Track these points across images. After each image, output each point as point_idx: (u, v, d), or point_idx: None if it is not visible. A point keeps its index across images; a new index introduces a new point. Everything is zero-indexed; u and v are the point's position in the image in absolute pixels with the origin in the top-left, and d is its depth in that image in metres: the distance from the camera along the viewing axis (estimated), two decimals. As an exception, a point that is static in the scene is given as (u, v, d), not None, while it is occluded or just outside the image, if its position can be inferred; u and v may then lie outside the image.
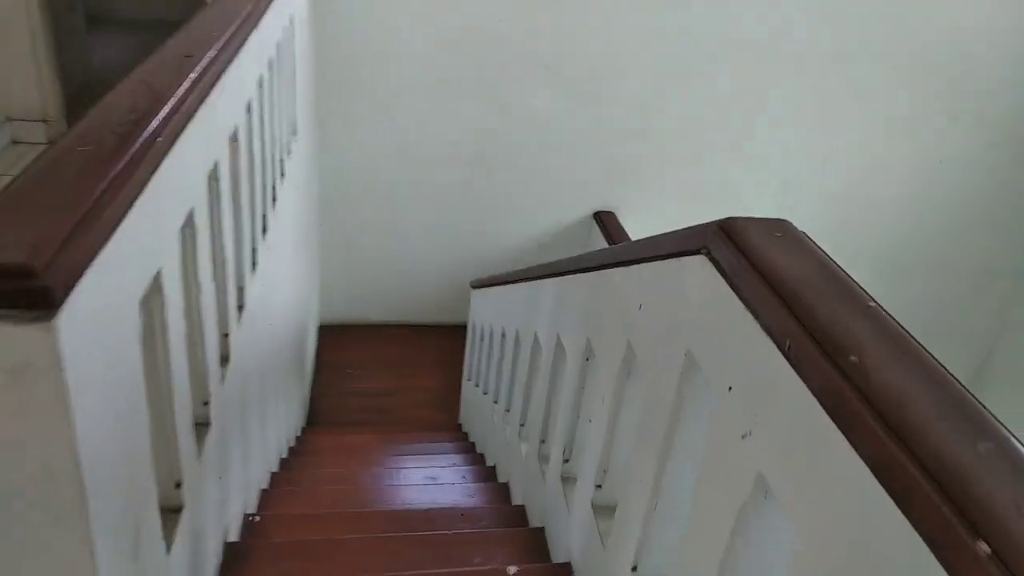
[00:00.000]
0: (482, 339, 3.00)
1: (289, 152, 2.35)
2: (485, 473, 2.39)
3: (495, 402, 2.68)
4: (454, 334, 3.97)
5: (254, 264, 1.68)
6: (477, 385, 2.98)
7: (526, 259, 3.93)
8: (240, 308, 1.52)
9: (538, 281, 2.11)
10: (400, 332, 3.97)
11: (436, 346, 3.91)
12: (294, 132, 2.49)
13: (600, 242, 3.81)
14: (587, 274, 1.59)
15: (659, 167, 3.83)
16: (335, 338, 3.86)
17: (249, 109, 1.53)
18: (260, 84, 1.69)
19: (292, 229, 2.49)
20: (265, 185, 1.85)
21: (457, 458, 2.70)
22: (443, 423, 3.38)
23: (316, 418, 3.33)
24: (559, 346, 1.78)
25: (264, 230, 1.83)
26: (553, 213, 3.87)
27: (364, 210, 3.68)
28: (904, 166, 3.98)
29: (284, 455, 2.56)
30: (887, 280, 4.11)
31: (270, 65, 1.85)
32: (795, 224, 0.92)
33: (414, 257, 3.86)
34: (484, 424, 2.76)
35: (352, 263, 3.82)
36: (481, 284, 2.90)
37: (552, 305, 1.95)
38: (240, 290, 1.53)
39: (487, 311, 2.87)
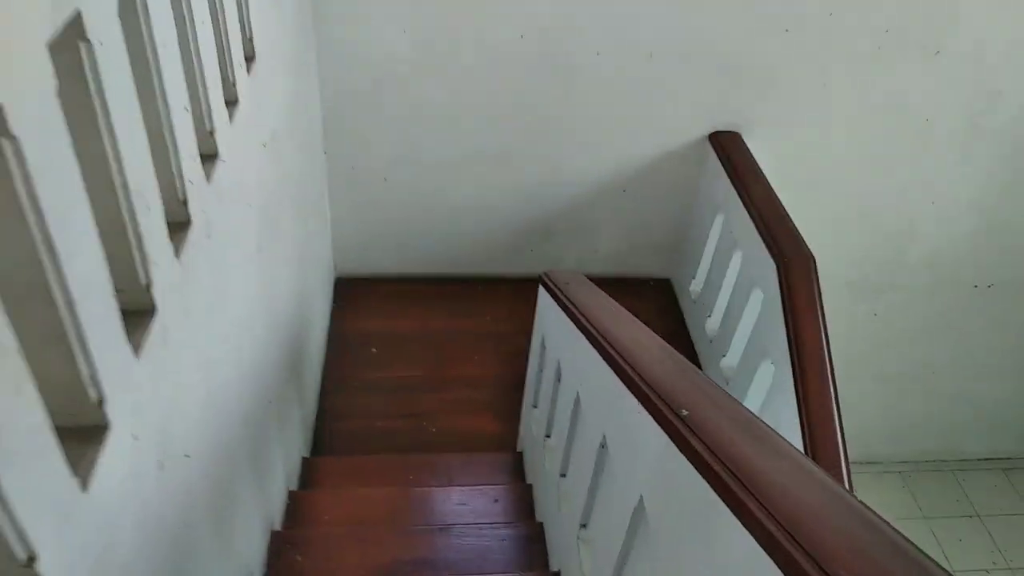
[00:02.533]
0: (544, 370, 2.06)
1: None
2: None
3: (562, 475, 1.76)
4: (511, 291, 3.01)
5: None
6: (548, 436, 2.03)
7: (604, 202, 2.88)
8: None
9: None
10: (438, 289, 3.03)
11: (487, 308, 2.97)
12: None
13: (716, 178, 2.70)
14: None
15: (803, 74, 2.64)
16: (351, 299, 2.95)
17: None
18: None
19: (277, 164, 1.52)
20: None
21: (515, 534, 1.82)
22: (498, 439, 2.49)
23: (326, 427, 2.48)
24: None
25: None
26: (647, 136, 2.76)
27: (386, 130, 2.65)
28: None
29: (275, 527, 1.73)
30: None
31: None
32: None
33: (454, 192, 2.84)
34: (548, 496, 1.86)
35: (371, 201, 2.84)
36: (555, 285, 1.90)
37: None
38: None
39: (557, 334, 1.89)
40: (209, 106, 1.26)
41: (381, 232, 2.93)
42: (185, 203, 1.13)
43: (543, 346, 2.10)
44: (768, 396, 2.27)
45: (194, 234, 1.14)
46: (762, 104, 2.71)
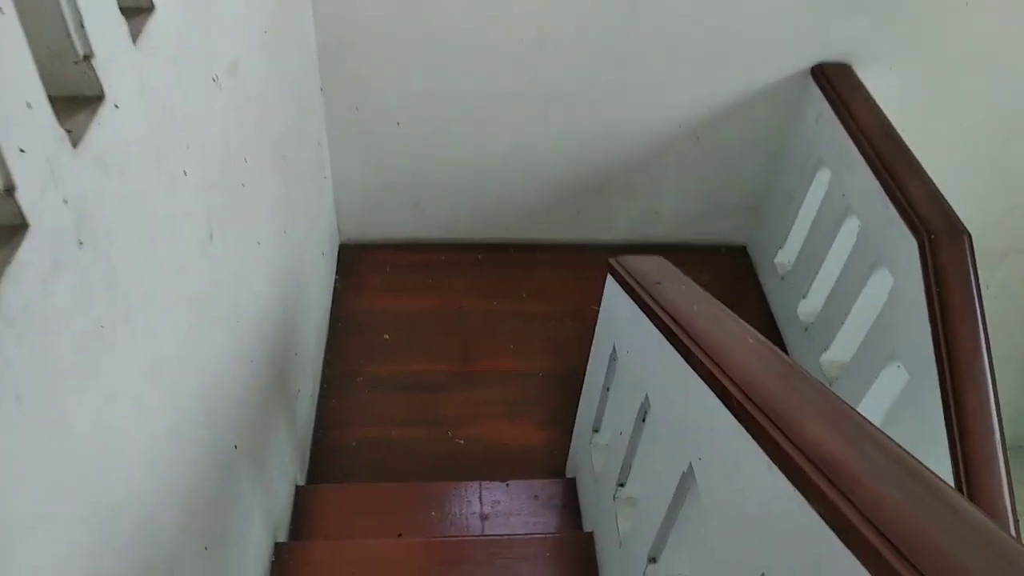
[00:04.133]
0: (613, 388, 1.53)
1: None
2: None
3: (653, 560, 1.24)
4: (553, 261, 2.48)
5: None
6: (622, 485, 1.51)
7: (671, 153, 2.30)
8: None
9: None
10: (464, 258, 2.49)
11: (524, 283, 2.43)
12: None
13: (821, 123, 2.12)
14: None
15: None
16: (359, 271, 2.43)
17: None
18: None
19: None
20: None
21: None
22: (542, 456, 1.99)
23: (327, 439, 1.99)
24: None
25: None
26: (729, 71, 2.16)
27: (400, 60, 2.07)
28: None
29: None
30: None
31: None
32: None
33: (485, 139, 2.28)
34: (609, 542, 1.35)
35: (381, 150, 2.28)
36: (636, 283, 1.35)
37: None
38: None
39: (641, 352, 1.34)
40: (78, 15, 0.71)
41: (394, 188, 2.38)
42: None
43: (613, 357, 1.57)
44: (895, 408, 1.75)
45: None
46: (882, 28, 2.09)
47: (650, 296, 1.28)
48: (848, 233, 2.01)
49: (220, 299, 1.17)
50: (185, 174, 0.99)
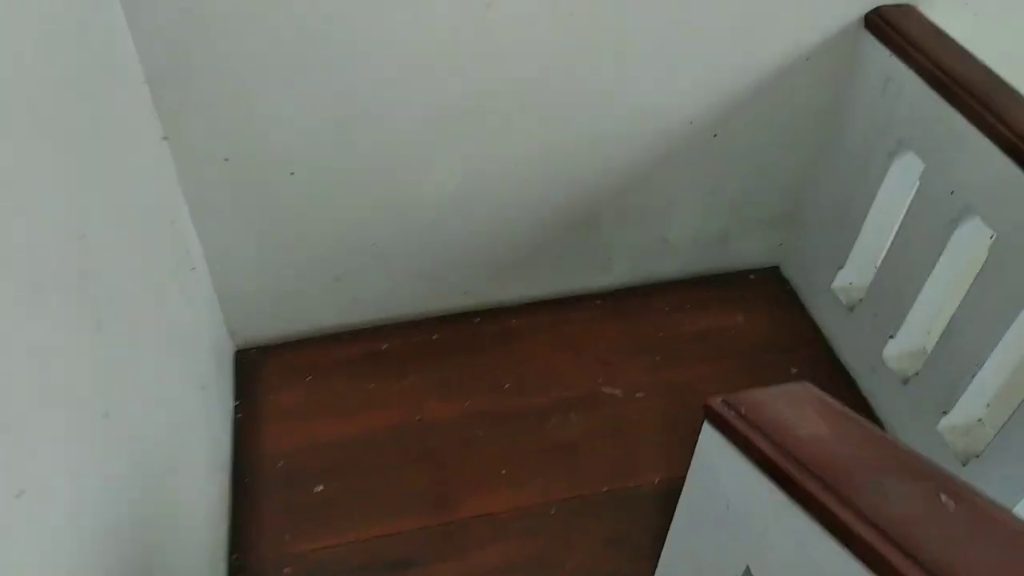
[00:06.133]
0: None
1: None
2: None
3: None
4: (539, 325, 1.81)
5: None
6: None
7: (679, 160, 1.66)
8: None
9: None
10: (417, 342, 1.78)
11: (504, 365, 1.75)
12: None
13: (891, 90, 1.51)
14: None
15: None
16: (268, 387, 1.69)
17: None
18: None
19: None
20: None
21: None
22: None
23: None
24: None
25: None
26: (753, 40, 1.53)
27: (286, 76, 1.36)
28: None
29: None
30: None
31: None
32: None
33: (425, 174, 1.58)
34: None
35: (275, 211, 1.55)
36: (767, 442, 0.69)
37: None
38: None
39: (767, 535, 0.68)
40: None
41: (303, 261, 1.66)
42: None
43: (718, 549, 0.89)
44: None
45: None
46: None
47: (845, 502, 0.62)
48: (965, 245, 1.41)
49: None
50: None
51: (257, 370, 1.73)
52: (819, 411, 0.76)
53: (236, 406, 1.65)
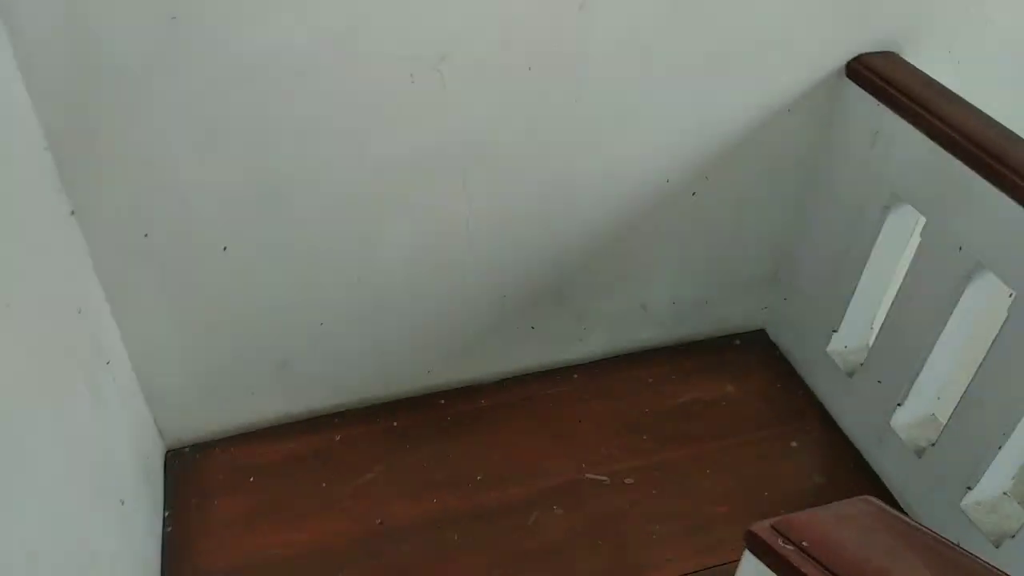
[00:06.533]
0: None
1: None
2: None
3: None
4: (507, 405, 1.63)
5: None
6: None
7: (655, 221, 1.53)
8: None
9: None
10: (369, 431, 1.58)
11: (473, 453, 1.55)
12: None
13: (879, 141, 1.40)
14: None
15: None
16: (202, 493, 1.46)
17: None
18: None
19: None
20: None
21: None
22: None
23: None
24: None
25: None
26: (729, 90, 1.42)
27: (208, 137, 1.19)
28: None
29: None
30: None
31: None
32: None
33: (371, 247, 1.41)
34: None
35: (206, 291, 1.36)
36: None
37: None
38: None
39: None
40: None
41: (241, 347, 1.46)
42: None
43: None
44: None
45: None
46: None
47: None
48: (979, 304, 1.29)
49: None
50: None
51: (191, 473, 1.50)
52: (891, 533, 0.60)
53: (166, 517, 1.42)
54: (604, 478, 1.52)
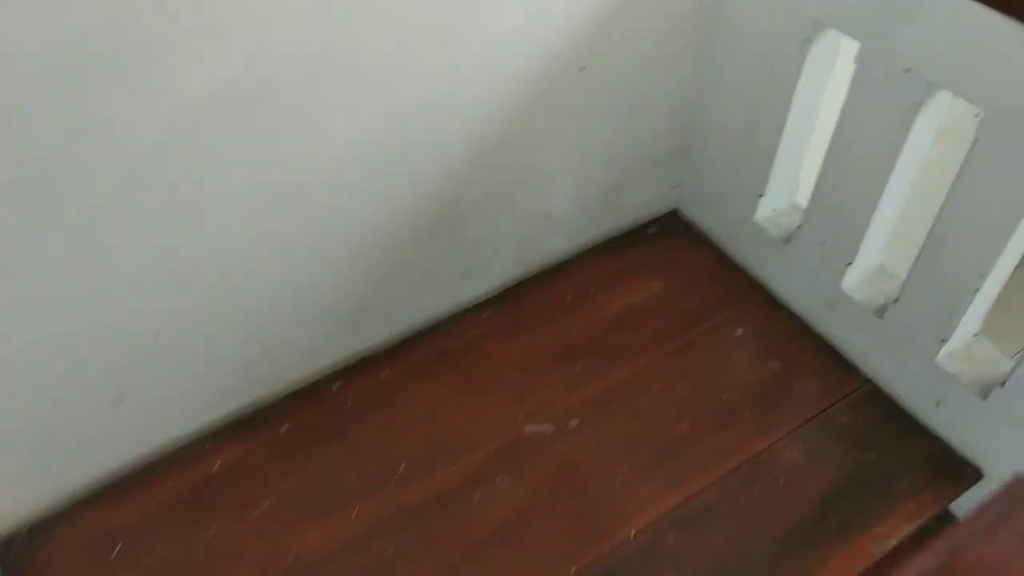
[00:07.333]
0: None
1: None
2: None
3: None
4: (417, 374, 1.36)
5: None
6: None
7: (546, 111, 1.24)
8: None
9: None
10: (256, 448, 1.27)
11: (390, 444, 1.28)
12: None
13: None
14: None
15: None
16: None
17: None
18: None
19: None
20: None
21: None
22: None
23: None
24: None
25: None
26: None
27: None
28: None
29: None
30: None
31: None
32: None
33: (202, 223, 1.06)
34: None
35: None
36: None
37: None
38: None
39: None
40: None
41: (63, 389, 1.09)
42: None
43: None
44: None
45: None
46: None
47: None
48: (933, 130, 1.10)
49: None
50: None
51: (33, 562, 1.16)
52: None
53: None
54: (546, 427, 1.29)
